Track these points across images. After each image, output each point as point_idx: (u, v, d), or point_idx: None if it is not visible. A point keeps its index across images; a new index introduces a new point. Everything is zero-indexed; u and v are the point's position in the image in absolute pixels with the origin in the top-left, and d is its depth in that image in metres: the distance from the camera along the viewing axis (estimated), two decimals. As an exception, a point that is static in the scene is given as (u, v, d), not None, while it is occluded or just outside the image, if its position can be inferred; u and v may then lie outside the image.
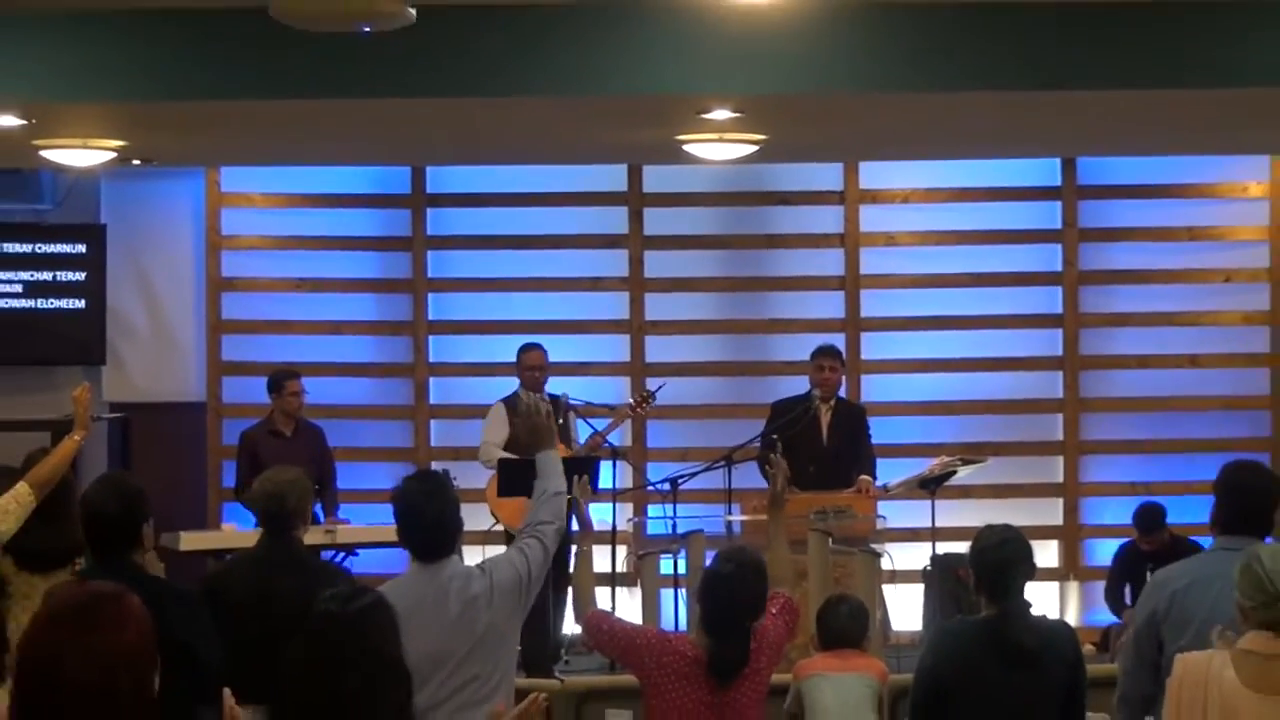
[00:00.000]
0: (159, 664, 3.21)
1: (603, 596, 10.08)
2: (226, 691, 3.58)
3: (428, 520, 5.52)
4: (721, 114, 9.49)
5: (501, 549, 5.87)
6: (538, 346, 10.94)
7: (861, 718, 6.65)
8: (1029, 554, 5.92)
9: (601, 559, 10.03)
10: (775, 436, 9.97)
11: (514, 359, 11.17)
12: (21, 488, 7.09)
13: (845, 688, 6.69)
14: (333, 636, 3.65)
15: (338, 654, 3.62)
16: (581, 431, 10.72)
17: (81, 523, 6.05)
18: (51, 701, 3.07)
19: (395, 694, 3.67)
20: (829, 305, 12.56)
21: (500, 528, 10.30)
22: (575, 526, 6.14)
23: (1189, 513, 10.62)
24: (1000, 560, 5.85)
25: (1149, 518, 10.97)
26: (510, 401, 10.76)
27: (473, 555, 6.22)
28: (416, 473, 5.83)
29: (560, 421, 9.31)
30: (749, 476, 10.56)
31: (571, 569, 6.59)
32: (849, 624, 6.95)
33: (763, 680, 5.83)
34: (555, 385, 10.76)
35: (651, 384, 11.45)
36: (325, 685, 3.60)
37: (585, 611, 5.98)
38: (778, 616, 5.94)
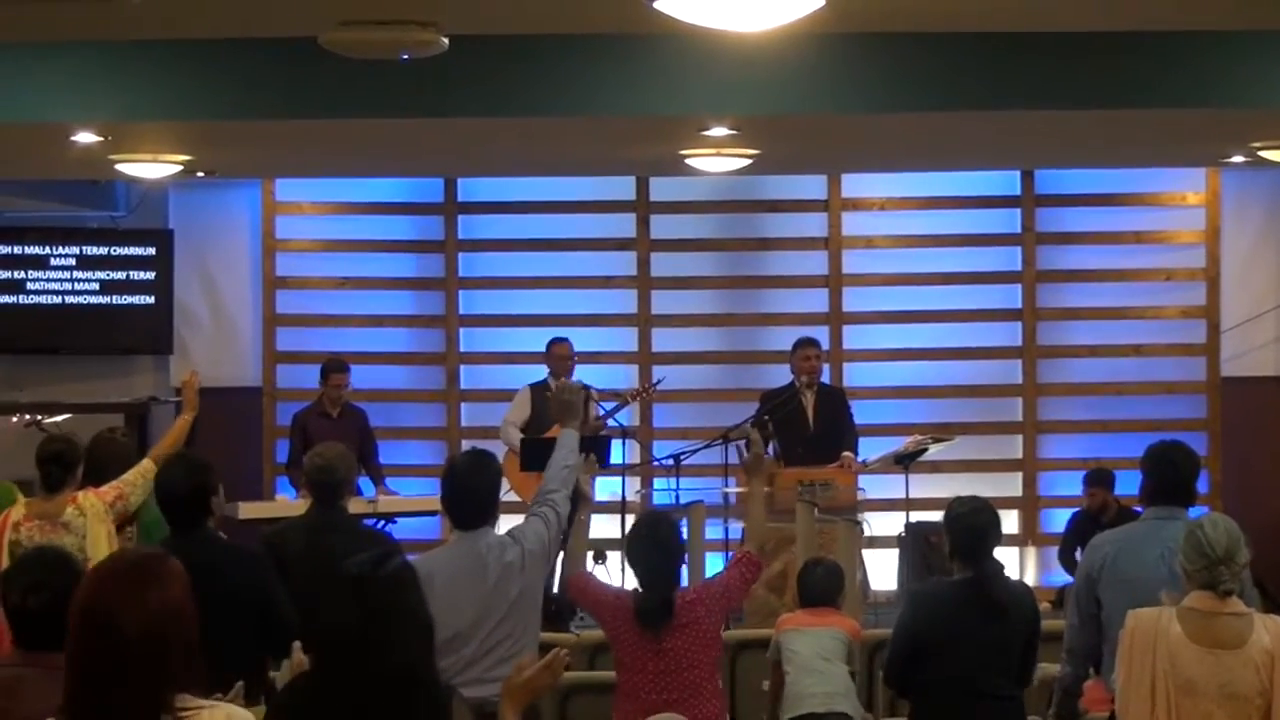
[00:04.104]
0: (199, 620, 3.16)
1: (614, 560, 10.15)
2: (296, 645, 3.55)
3: (472, 489, 5.48)
4: (719, 132, 9.47)
5: (517, 518, 5.77)
6: (565, 340, 11.02)
7: (832, 667, 6.64)
8: (998, 521, 5.93)
9: (613, 527, 10.04)
10: (767, 417, 10.01)
11: (536, 349, 11.19)
12: (147, 463, 7.04)
13: (818, 640, 6.68)
14: (362, 595, 3.65)
15: (369, 609, 3.61)
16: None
17: (157, 500, 5.96)
18: (109, 654, 3.00)
19: (420, 640, 3.65)
20: (814, 301, 12.53)
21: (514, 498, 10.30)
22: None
23: (1134, 485, 10.56)
24: (974, 526, 5.85)
25: (1094, 475, 11.08)
26: (538, 387, 10.81)
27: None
28: (469, 450, 5.78)
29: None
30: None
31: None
32: (824, 584, 6.94)
33: (704, 630, 5.64)
34: (575, 374, 10.77)
35: (655, 374, 11.50)
36: (361, 637, 3.59)
37: (573, 572, 5.93)
38: (733, 568, 5.83)
